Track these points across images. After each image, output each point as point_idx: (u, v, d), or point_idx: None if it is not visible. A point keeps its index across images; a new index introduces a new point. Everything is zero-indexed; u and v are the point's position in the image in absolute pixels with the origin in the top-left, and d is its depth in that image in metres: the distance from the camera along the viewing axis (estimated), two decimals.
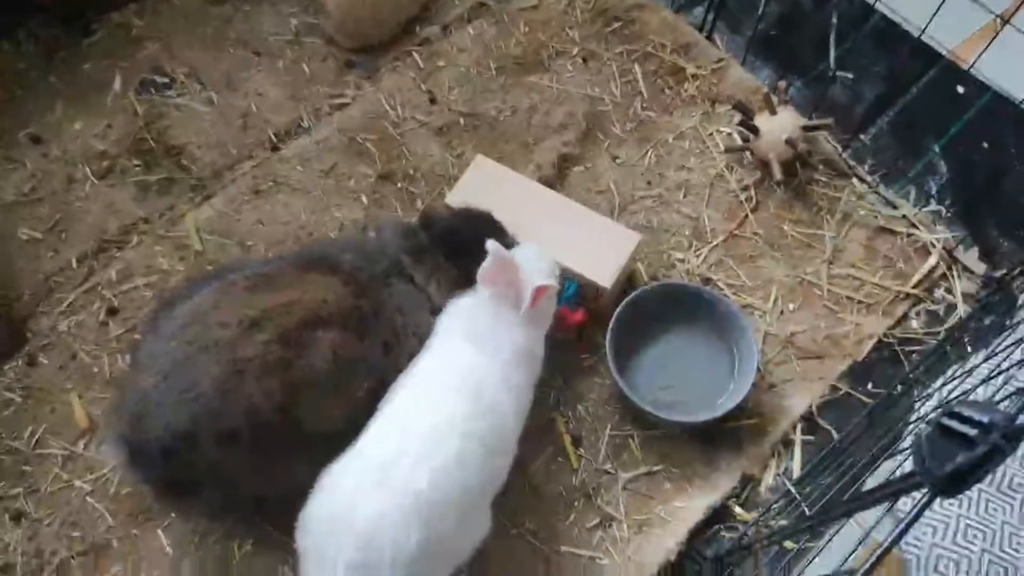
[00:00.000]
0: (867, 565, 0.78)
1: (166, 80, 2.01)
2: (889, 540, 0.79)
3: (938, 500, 1.46)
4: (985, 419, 0.75)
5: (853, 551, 1.27)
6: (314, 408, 1.36)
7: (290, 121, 1.98)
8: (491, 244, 1.37)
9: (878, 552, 0.79)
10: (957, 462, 0.75)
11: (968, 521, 1.48)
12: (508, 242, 1.52)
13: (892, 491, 0.85)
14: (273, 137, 1.96)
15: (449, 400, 1.33)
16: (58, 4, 2.03)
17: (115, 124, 1.95)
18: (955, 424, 0.77)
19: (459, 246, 1.48)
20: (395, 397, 1.35)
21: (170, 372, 1.33)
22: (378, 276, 1.47)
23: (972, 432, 0.75)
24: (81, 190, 1.87)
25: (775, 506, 1.59)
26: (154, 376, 1.34)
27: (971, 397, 1.57)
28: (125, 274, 1.76)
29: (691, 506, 1.58)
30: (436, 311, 1.45)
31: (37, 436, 1.59)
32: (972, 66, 1.79)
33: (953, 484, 0.76)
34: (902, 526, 0.80)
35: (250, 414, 1.31)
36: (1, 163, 1.88)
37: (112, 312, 1.72)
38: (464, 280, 1.44)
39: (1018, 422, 0.79)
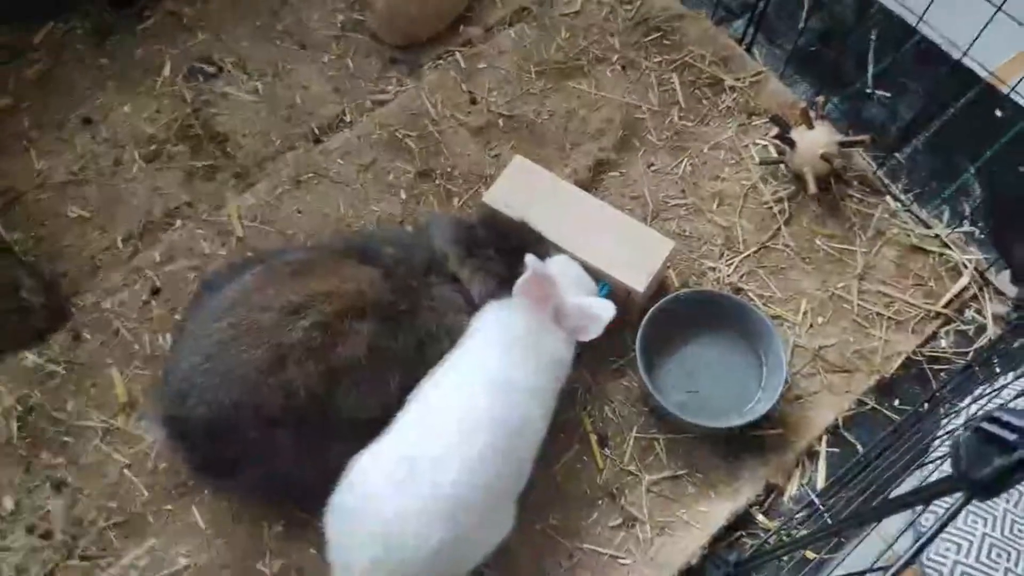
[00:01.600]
0: (898, 564, 0.80)
1: (214, 68, 2.06)
2: (923, 539, 0.81)
3: (963, 516, 1.46)
4: None
5: (875, 562, 1.29)
6: (349, 395, 1.39)
7: (333, 114, 2.02)
8: (530, 259, 1.41)
9: (912, 550, 0.81)
10: (995, 464, 0.77)
11: (993, 540, 1.48)
12: (543, 253, 1.55)
13: (927, 495, 0.87)
14: (316, 129, 2.00)
15: (477, 400, 1.35)
16: None
17: (163, 109, 1.99)
18: (995, 429, 0.79)
19: (512, 248, 1.51)
20: (425, 393, 1.38)
21: (213, 353, 1.36)
22: (417, 273, 1.50)
23: (1012, 437, 0.77)
24: (128, 172, 1.91)
25: (798, 516, 1.61)
26: (198, 356, 1.37)
27: None
28: (168, 256, 1.80)
29: (714, 511, 1.60)
30: (474, 311, 1.47)
31: (79, 409, 1.64)
32: (1013, 89, 1.80)
33: (990, 487, 0.78)
34: (936, 526, 0.82)
35: (289, 397, 1.35)
36: (53, 143, 1.93)
37: (155, 292, 1.76)
38: (509, 280, 1.47)
39: None
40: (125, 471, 1.58)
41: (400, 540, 1.25)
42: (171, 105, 2.00)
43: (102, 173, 1.91)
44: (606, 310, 1.45)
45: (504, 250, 1.52)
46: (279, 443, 1.36)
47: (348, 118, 2.03)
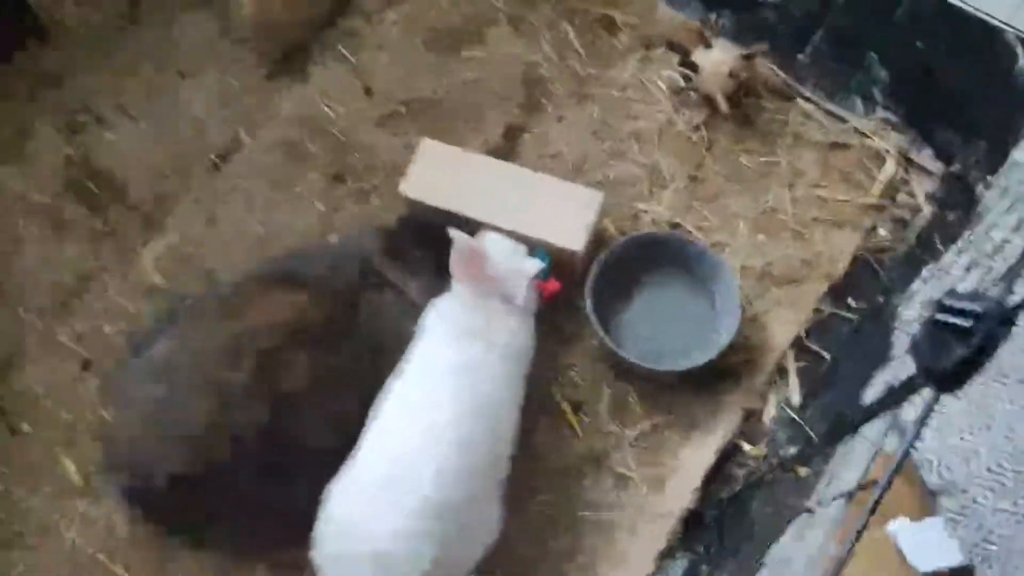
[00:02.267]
0: (888, 474, 0.79)
1: (92, 116, 1.93)
2: (906, 444, 0.81)
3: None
4: (977, 308, 0.76)
5: (867, 468, 1.29)
6: (304, 426, 1.35)
7: (227, 137, 1.92)
8: (454, 232, 1.36)
9: (899, 454, 0.80)
10: (957, 355, 0.76)
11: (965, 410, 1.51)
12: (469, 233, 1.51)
13: (896, 398, 0.86)
14: (213, 156, 1.90)
15: (439, 398, 1.32)
16: None
17: (48, 173, 1.87)
18: (948, 318, 0.78)
19: (437, 239, 1.46)
20: (384, 405, 1.33)
21: (154, 413, 1.31)
22: (348, 286, 1.45)
23: (968, 323, 0.76)
24: (29, 247, 1.80)
25: (782, 436, 1.62)
26: (139, 421, 1.32)
27: None
28: (91, 324, 1.71)
29: (700, 451, 1.60)
30: (418, 311, 1.43)
31: (36, 507, 1.55)
32: None
33: (956, 378, 0.78)
34: (916, 428, 0.81)
35: (240, 442, 1.30)
36: None
37: (85, 366, 1.67)
38: (445, 273, 1.42)
39: (1008, 306, 0.80)
40: (99, 555, 1.51)
41: (395, 561, 1.22)
42: (55, 166, 1.87)
43: (2, 255, 1.79)
44: (530, 263, 1.42)
45: (430, 244, 1.47)
46: (240, 491, 1.32)
47: (243, 137, 1.93)
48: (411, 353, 1.38)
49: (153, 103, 1.96)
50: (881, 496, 0.79)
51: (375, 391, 1.35)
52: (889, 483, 0.82)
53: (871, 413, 0.97)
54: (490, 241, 1.52)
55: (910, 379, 0.87)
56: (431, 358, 1.37)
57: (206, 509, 1.36)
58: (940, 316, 0.82)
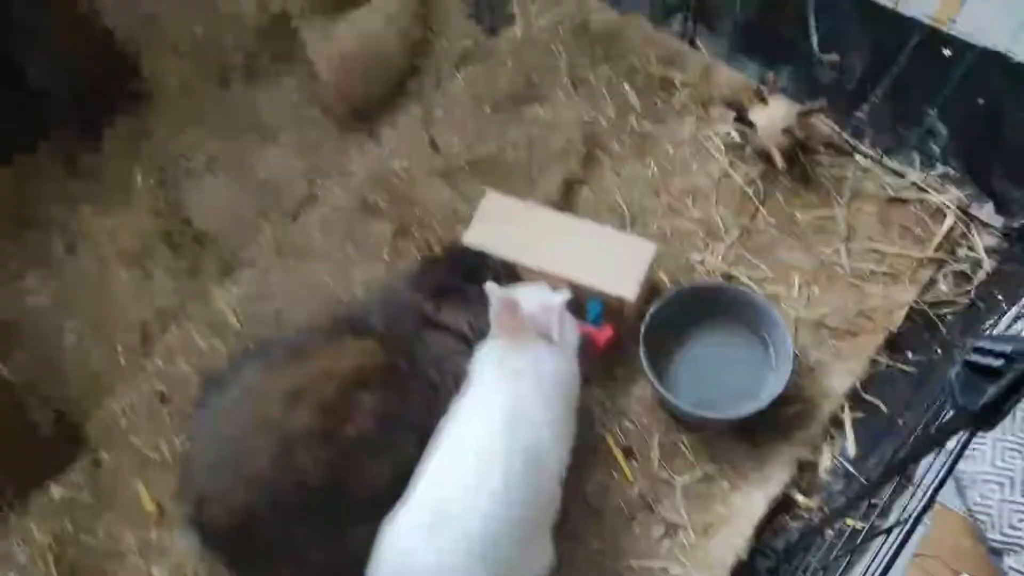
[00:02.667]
0: (920, 506, 0.79)
1: (183, 170, 2.10)
2: (937, 479, 0.81)
3: (999, 454, 1.45)
4: (1008, 349, 0.77)
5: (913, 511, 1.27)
6: (366, 471, 1.39)
7: (303, 192, 2.06)
8: (489, 286, 1.42)
9: (929, 492, 0.81)
10: (988, 394, 0.77)
11: None
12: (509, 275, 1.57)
13: (936, 438, 0.87)
14: (290, 209, 2.03)
15: (490, 438, 1.35)
16: (73, 113, 2.13)
17: (140, 219, 2.03)
18: (980, 359, 0.79)
19: (468, 270, 1.53)
20: (439, 444, 1.38)
21: (223, 455, 1.37)
22: (408, 331, 1.50)
23: (998, 363, 0.77)
24: (117, 286, 1.94)
25: (837, 488, 1.59)
26: (208, 460, 1.38)
27: None
28: (169, 360, 1.82)
29: (752, 501, 1.59)
30: (470, 347, 1.48)
31: (111, 531, 1.65)
32: (950, 27, 1.82)
33: (988, 416, 0.78)
34: (949, 462, 0.82)
35: (303, 487, 1.34)
36: (40, 274, 1.97)
37: (163, 399, 1.78)
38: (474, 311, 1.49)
39: None
40: None
41: None
42: (146, 213, 2.04)
43: (92, 293, 1.94)
44: (556, 296, 1.46)
45: (475, 280, 1.53)
46: (300, 536, 1.36)
47: (318, 191, 2.06)
48: (462, 396, 1.43)
49: (238, 158, 2.11)
50: (912, 529, 0.80)
51: (431, 432, 1.39)
52: (919, 518, 0.83)
53: (914, 454, 0.96)
54: (520, 291, 1.56)
55: (949, 420, 0.87)
56: (480, 401, 1.41)
57: (268, 548, 1.39)
58: (973, 358, 0.84)
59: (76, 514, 1.67)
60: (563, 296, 1.47)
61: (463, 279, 1.55)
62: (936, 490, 0.82)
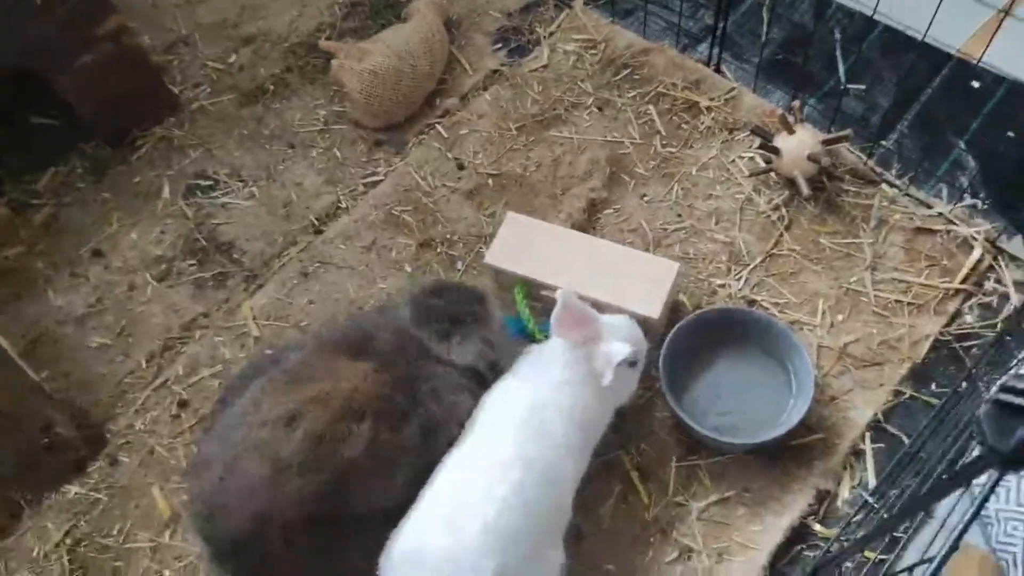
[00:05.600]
0: (945, 548, 0.78)
1: (210, 182, 2.13)
2: (965, 520, 0.79)
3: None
4: None
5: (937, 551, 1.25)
6: (361, 494, 1.38)
7: (329, 204, 2.08)
8: (561, 292, 1.43)
9: (955, 533, 0.79)
10: (1020, 435, 0.75)
11: None
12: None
13: (963, 477, 0.85)
14: (315, 221, 2.05)
15: (508, 438, 1.38)
16: (104, 126, 2.17)
17: (167, 229, 2.06)
18: (1011, 398, 0.78)
19: (469, 308, 1.51)
20: (465, 439, 1.40)
21: (225, 472, 1.37)
22: (412, 359, 1.47)
23: None
24: (143, 295, 1.97)
25: (855, 519, 1.57)
26: (214, 475, 1.38)
27: None
28: (191, 368, 1.84)
29: (768, 529, 1.57)
30: (472, 387, 1.47)
31: (125, 531, 1.65)
32: (980, 61, 1.81)
33: (1018, 458, 0.77)
34: (976, 504, 0.80)
35: (302, 505, 1.34)
36: (68, 280, 2.00)
37: (183, 405, 1.79)
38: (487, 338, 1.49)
39: None
40: None
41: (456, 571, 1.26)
42: (174, 224, 2.07)
43: (118, 300, 1.96)
44: (617, 350, 1.44)
45: (468, 311, 1.51)
46: (302, 551, 1.36)
47: (344, 205, 2.08)
48: (496, 389, 1.46)
49: (265, 171, 2.14)
50: (937, 572, 0.78)
51: (429, 467, 1.39)
52: (945, 559, 0.81)
53: (938, 491, 0.95)
54: (611, 319, 1.55)
55: (976, 459, 0.86)
56: (509, 398, 1.44)
57: (272, 564, 1.38)
58: (1003, 396, 0.82)
59: (92, 514, 1.68)
60: (623, 351, 1.44)
61: (456, 310, 1.51)
62: (962, 532, 0.80)
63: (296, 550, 1.36)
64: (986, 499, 0.86)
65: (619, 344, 1.45)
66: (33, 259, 2.03)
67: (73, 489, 1.70)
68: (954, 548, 0.87)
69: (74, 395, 1.82)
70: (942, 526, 1.19)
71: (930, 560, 0.88)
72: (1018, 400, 0.80)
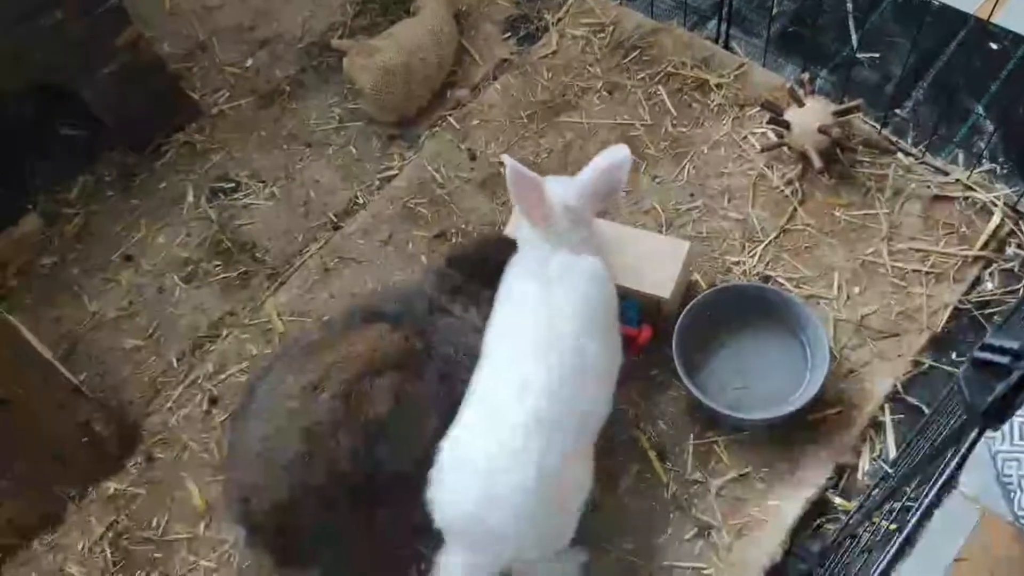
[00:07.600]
0: (922, 505, 0.78)
1: (232, 184, 2.19)
2: (946, 474, 0.80)
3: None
4: (1015, 345, 0.76)
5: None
6: (388, 450, 1.43)
7: (346, 200, 2.12)
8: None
9: (936, 484, 0.80)
10: (995, 392, 0.76)
11: None
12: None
13: (952, 437, 0.86)
14: (333, 217, 2.10)
15: (525, 346, 1.41)
16: (128, 134, 2.24)
17: (193, 232, 2.12)
18: (988, 355, 0.78)
19: (488, 271, 1.55)
20: (487, 353, 1.45)
21: (259, 452, 1.43)
22: (421, 315, 1.54)
23: (1005, 360, 0.76)
24: (172, 296, 2.03)
25: (875, 492, 1.56)
26: (247, 459, 1.44)
27: None
28: (220, 365, 1.90)
29: (787, 503, 1.57)
30: (480, 330, 1.51)
31: (163, 524, 1.72)
32: (992, 20, 1.77)
33: (996, 414, 0.77)
34: (957, 459, 0.81)
35: (333, 472, 1.39)
36: (101, 285, 2.07)
37: (213, 401, 1.85)
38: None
39: None
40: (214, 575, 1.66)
41: (498, 478, 1.32)
42: (199, 226, 2.13)
43: (148, 303, 2.03)
44: (559, 195, 1.51)
45: (487, 274, 1.56)
46: (336, 520, 1.41)
47: (361, 200, 2.12)
48: (497, 304, 1.50)
49: (284, 171, 2.19)
50: (920, 522, 0.78)
51: (449, 412, 1.43)
52: (929, 511, 0.81)
53: (935, 454, 0.95)
54: (549, 179, 1.59)
55: (961, 419, 0.86)
56: (513, 306, 1.48)
57: (309, 535, 1.44)
58: (981, 355, 0.82)
59: (131, 508, 1.75)
60: (571, 194, 1.53)
61: (474, 272, 1.58)
62: (943, 487, 0.81)
63: (334, 517, 1.41)
64: (971, 448, 0.86)
65: (560, 189, 1.53)
66: (66, 267, 2.11)
67: (112, 485, 1.78)
68: (937, 504, 0.87)
69: (110, 395, 1.89)
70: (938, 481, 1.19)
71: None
72: (996, 357, 0.80)
